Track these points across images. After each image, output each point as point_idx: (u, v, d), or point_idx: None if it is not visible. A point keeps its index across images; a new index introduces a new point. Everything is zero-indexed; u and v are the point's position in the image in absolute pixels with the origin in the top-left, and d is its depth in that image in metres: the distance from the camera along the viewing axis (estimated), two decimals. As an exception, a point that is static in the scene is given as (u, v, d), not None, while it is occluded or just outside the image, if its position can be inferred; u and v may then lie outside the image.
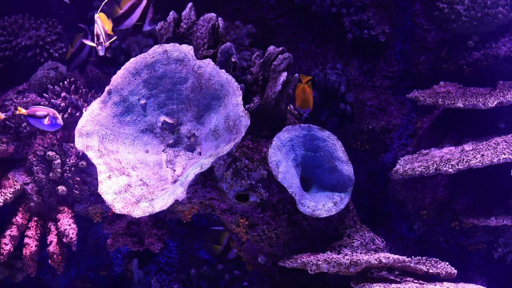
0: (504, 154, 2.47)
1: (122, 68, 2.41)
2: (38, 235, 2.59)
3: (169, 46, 2.39)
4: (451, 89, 2.86)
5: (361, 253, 2.32)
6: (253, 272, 2.64)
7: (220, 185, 2.32)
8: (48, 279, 2.87)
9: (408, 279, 2.25)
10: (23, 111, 2.34)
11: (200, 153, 2.38)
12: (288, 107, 2.53)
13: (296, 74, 2.41)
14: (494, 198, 2.73)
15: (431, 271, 2.21)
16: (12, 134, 2.62)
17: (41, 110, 2.34)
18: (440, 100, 2.73)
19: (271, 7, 3.13)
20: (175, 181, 2.29)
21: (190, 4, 2.51)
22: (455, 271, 2.28)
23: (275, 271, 2.47)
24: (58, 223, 2.56)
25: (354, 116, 2.98)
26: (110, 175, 2.27)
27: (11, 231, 2.54)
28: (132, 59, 2.42)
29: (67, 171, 2.57)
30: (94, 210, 2.62)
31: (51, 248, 2.53)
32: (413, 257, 2.36)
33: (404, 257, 2.18)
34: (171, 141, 2.42)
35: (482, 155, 2.52)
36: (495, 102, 2.62)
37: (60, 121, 2.34)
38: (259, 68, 2.42)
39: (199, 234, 2.96)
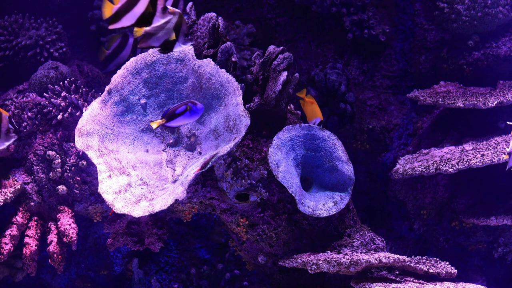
0: (504, 154, 2.47)
1: (123, 67, 2.41)
2: (38, 234, 2.59)
3: (169, 46, 2.40)
4: (451, 89, 2.86)
5: (361, 252, 2.32)
6: (253, 271, 2.64)
7: (220, 184, 2.32)
8: (48, 279, 2.87)
9: (408, 278, 2.25)
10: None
11: (200, 153, 2.37)
12: (288, 107, 2.53)
13: (296, 74, 2.41)
14: (494, 198, 2.73)
15: (431, 270, 2.21)
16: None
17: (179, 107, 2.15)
18: (440, 99, 2.73)
19: (271, 6, 3.13)
20: (175, 181, 2.29)
21: (190, 4, 2.51)
22: (455, 270, 2.28)
23: (275, 270, 2.47)
24: (58, 223, 2.56)
25: (354, 115, 2.98)
26: (110, 175, 2.27)
27: (11, 230, 2.53)
28: (132, 59, 2.42)
29: (67, 171, 2.57)
30: (94, 209, 2.62)
31: (51, 248, 2.53)
32: (413, 256, 2.36)
33: (404, 257, 2.18)
34: (171, 141, 2.42)
35: (482, 154, 2.52)
36: (495, 102, 2.62)
37: (200, 105, 2.13)
38: (259, 68, 2.42)
39: (199, 233, 2.95)
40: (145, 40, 1.96)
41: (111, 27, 1.83)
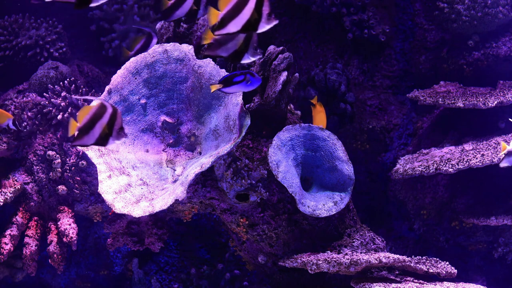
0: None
1: (123, 67, 2.41)
2: (38, 234, 2.59)
3: (169, 46, 2.40)
4: (451, 89, 2.86)
5: (361, 252, 2.32)
6: (253, 271, 2.64)
7: (220, 184, 2.32)
8: (48, 279, 2.87)
9: (408, 278, 2.25)
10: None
11: (200, 153, 2.37)
12: (288, 107, 2.53)
13: (296, 74, 2.41)
14: (494, 198, 2.73)
15: (431, 270, 2.21)
16: (12, 133, 2.62)
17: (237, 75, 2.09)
18: (440, 99, 2.73)
19: (271, 6, 3.12)
20: (175, 181, 2.29)
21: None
22: (455, 270, 2.28)
23: (275, 270, 2.47)
24: (58, 223, 2.56)
25: (354, 115, 2.98)
26: (110, 175, 2.27)
27: (11, 230, 2.53)
28: (132, 59, 2.42)
29: (67, 171, 2.57)
30: (94, 209, 2.62)
31: (51, 248, 2.53)
32: (413, 256, 2.36)
33: (404, 257, 2.18)
34: (171, 141, 2.42)
35: (482, 154, 2.52)
36: (495, 102, 2.62)
37: (258, 77, 2.09)
38: (259, 68, 2.42)
39: (199, 233, 2.95)
40: (213, 49, 1.92)
41: (216, 33, 1.80)
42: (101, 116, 1.80)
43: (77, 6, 1.76)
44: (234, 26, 1.79)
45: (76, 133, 1.78)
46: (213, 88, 2.07)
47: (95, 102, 2.37)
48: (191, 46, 2.38)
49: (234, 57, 1.94)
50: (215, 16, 1.79)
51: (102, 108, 1.79)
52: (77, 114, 1.80)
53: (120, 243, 2.53)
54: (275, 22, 1.81)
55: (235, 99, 2.22)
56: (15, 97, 2.69)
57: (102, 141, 1.82)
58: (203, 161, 2.17)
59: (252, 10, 1.78)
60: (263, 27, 1.81)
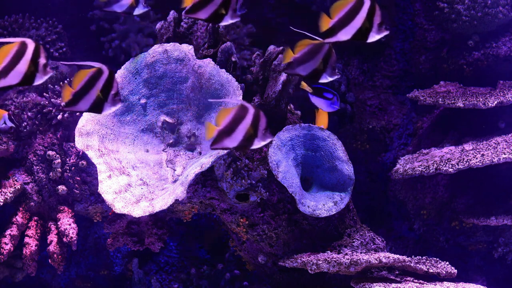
0: (504, 154, 2.47)
1: (123, 67, 2.41)
2: (38, 234, 2.59)
3: (169, 46, 2.40)
4: (451, 89, 2.86)
5: (361, 252, 2.32)
6: (253, 271, 2.64)
7: (220, 184, 2.32)
8: (48, 279, 2.86)
9: (408, 278, 2.25)
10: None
11: (200, 153, 2.37)
12: (288, 107, 2.53)
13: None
14: (494, 198, 2.73)
15: (431, 270, 2.21)
16: (12, 133, 2.62)
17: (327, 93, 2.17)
18: (440, 99, 2.73)
19: (272, 6, 3.12)
20: (175, 181, 2.29)
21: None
22: (455, 270, 2.28)
23: (275, 270, 2.47)
24: (58, 223, 2.56)
25: (354, 115, 2.98)
26: (110, 175, 2.27)
27: (11, 230, 2.53)
28: (132, 59, 2.42)
29: (67, 171, 2.57)
30: (94, 209, 2.62)
31: (51, 248, 2.53)
32: (413, 256, 2.36)
33: (404, 257, 2.18)
34: (171, 141, 2.42)
35: (482, 154, 2.52)
36: (495, 102, 2.62)
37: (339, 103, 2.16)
38: (259, 68, 2.42)
39: (199, 233, 2.95)
40: (292, 68, 1.93)
41: (326, 40, 1.81)
42: (97, 80, 1.76)
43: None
44: (344, 35, 1.79)
45: (70, 98, 1.76)
46: (304, 86, 2.13)
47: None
48: (191, 46, 2.38)
49: (312, 77, 1.94)
50: (326, 22, 1.79)
51: (98, 72, 1.75)
52: (72, 78, 1.77)
53: (120, 243, 2.53)
54: (385, 33, 1.81)
55: (235, 99, 2.23)
56: (15, 97, 2.69)
57: (96, 107, 1.78)
58: (203, 161, 2.17)
59: (363, 19, 1.77)
60: (373, 37, 1.81)
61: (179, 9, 2.52)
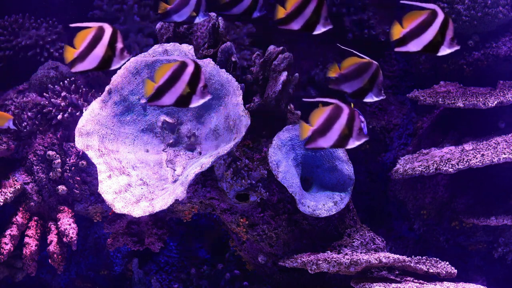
0: (504, 154, 2.47)
1: (123, 67, 2.41)
2: (38, 234, 2.59)
3: (169, 46, 2.39)
4: (451, 89, 2.86)
5: (361, 252, 2.32)
6: (253, 271, 2.64)
7: (220, 184, 2.32)
8: (48, 279, 2.87)
9: (408, 278, 2.25)
10: None
11: (200, 153, 2.37)
12: (288, 107, 2.53)
13: (296, 74, 2.41)
14: (494, 198, 2.73)
15: (431, 270, 2.21)
16: (12, 133, 2.62)
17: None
18: (440, 99, 2.72)
19: (272, 6, 3.12)
20: (175, 181, 2.29)
21: (190, 4, 2.50)
22: (455, 270, 2.28)
23: (275, 270, 2.47)
24: (58, 223, 2.56)
25: (354, 115, 2.97)
26: (110, 175, 2.27)
27: (11, 230, 2.53)
28: (132, 59, 2.42)
29: (67, 171, 2.57)
30: (94, 209, 2.62)
31: (51, 248, 2.53)
32: (413, 256, 2.36)
33: (404, 257, 2.18)
34: (171, 141, 2.42)
35: (482, 154, 2.52)
36: (495, 102, 2.62)
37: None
38: (259, 68, 2.42)
39: (199, 233, 2.96)
40: (337, 84, 1.93)
41: (397, 49, 1.80)
42: (182, 73, 1.76)
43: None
44: (415, 46, 1.78)
45: (153, 92, 1.74)
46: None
47: (94, 103, 2.37)
48: (191, 46, 2.38)
49: (358, 95, 1.93)
50: (398, 31, 1.79)
51: (183, 66, 1.75)
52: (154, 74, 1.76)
53: (120, 243, 2.53)
54: (456, 47, 1.80)
55: (235, 99, 2.23)
56: (15, 97, 2.69)
57: (183, 101, 1.78)
58: (203, 161, 2.17)
59: (436, 32, 1.76)
60: (444, 51, 1.80)
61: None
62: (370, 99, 1.95)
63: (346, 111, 1.75)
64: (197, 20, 2.04)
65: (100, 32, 1.75)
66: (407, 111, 3.10)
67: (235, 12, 2.02)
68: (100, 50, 1.76)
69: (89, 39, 1.75)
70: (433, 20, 1.76)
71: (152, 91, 1.77)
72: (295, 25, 1.91)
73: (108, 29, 1.74)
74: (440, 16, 1.77)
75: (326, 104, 1.84)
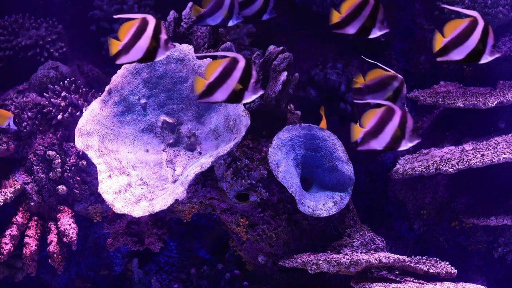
0: (504, 154, 2.47)
1: (123, 67, 2.41)
2: (38, 234, 2.59)
3: (169, 46, 2.39)
4: (451, 89, 2.86)
5: (361, 252, 2.32)
6: (253, 271, 2.64)
7: (220, 184, 2.32)
8: (48, 279, 2.86)
9: (408, 278, 2.25)
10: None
11: (200, 153, 2.37)
12: (288, 107, 2.53)
13: (296, 74, 2.41)
14: (494, 198, 2.73)
15: (431, 270, 2.21)
16: (12, 133, 2.62)
17: None
18: (440, 99, 2.73)
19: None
20: (175, 181, 2.29)
21: (190, 4, 2.51)
22: (455, 270, 2.28)
23: (275, 270, 2.47)
24: (58, 223, 2.56)
25: (354, 115, 2.97)
26: (110, 175, 2.27)
27: (11, 230, 2.53)
28: (132, 59, 2.42)
29: (67, 171, 2.57)
30: (94, 209, 2.62)
31: (51, 248, 2.53)
32: (413, 256, 2.36)
33: (404, 257, 2.18)
34: (171, 141, 2.42)
35: (482, 154, 2.52)
36: (495, 102, 2.62)
37: None
38: (259, 68, 2.42)
39: (199, 233, 2.95)
40: (361, 95, 1.94)
41: (439, 59, 1.78)
42: (233, 69, 1.74)
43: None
44: (457, 55, 1.77)
45: (204, 89, 1.73)
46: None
47: (94, 103, 2.37)
48: (191, 46, 2.38)
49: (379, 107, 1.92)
50: (440, 41, 1.77)
51: (234, 62, 1.73)
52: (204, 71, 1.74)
53: (120, 243, 2.53)
54: (497, 55, 1.79)
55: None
56: (15, 97, 2.69)
57: (236, 96, 1.76)
58: (203, 161, 2.17)
59: (477, 40, 1.75)
60: (486, 59, 1.79)
61: (179, 9, 2.53)
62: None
63: (398, 112, 1.74)
64: (231, 23, 2.05)
65: (143, 24, 1.75)
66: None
67: (245, 14, 2.03)
68: (144, 41, 1.76)
69: (133, 31, 1.75)
70: (474, 27, 1.75)
71: (203, 87, 1.75)
72: (351, 29, 1.90)
73: (151, 21, 1.74)
74: (481, 24, 1.75)
75: (377, 106, 1.85)
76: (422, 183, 2.89)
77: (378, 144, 1.76)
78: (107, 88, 2.39)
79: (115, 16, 2.01)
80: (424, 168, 2.59)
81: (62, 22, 3.00)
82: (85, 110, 2.40)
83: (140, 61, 1.80)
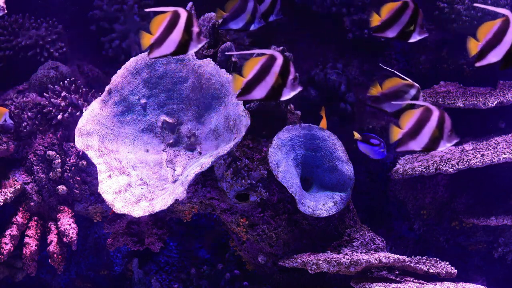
0: (504, 154, 2.47)
1: (123, 67, 2.41)
2: (38, 234, 2.59)
3: (169, 46, 2.39)
4: (451, 89, 2.86)
5: (361, 252, 2.32)
6: (253, 271, 2.64)
7: (220, 184, 2.32)
8: (48, 279, 2.86)
9: (408, 278, 2.25)
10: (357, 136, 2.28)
11: (200, 153, 2.37)
12: (288, 107, 2.53)
13: (297, 74, 2.40)
14: (494, 198, 2.73)
15: (431, 270, 2.21)
16: (12, 133, 2.62)
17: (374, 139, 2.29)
18: (440, 99, 2.73)
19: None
20: (175, 181, 2.29)
21: (190, 4, 2.51)
22: (455, 270, 2.28)
23: (275, 270, 2.47)
24: (58, 223, 2.56)
25: (354, 115, 2.97)
26: (110, 175, 2.27)
27: (11, 230, 2.53)
28: (132, 59, 2.42)
29: (67, 171, 2.57)
30: (94, 209, 2.62)
31: (51, 248, 2.53)
32: (413, 256, 2.36)
33: (404, 257, 2.18)
34: (171, 141, 2.42)
35: (482, 154, 2.52)
36: (495, 102, 2.62)
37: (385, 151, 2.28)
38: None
39: (199, 233, 2.95)
40: (378, 102, 1.96)
41: (477, 64, 1.79)
42: (271, 67, 1.74)
43: None
44: (494, 56, 1.77)
45: (242, 87, 1.73)
46: (355, 135, 2.24)
47: (94, 103, 2.37)
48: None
49: (398, 116, 1.92)
50: (474, 47, 1.78)
51: (272, 59, 1.74)
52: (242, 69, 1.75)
53: (120, 243, 2.53)
54: None
55: (235, 99, 2.22)
56: (15, 97, 2.69)
57: (274, 94, 1.77)
58: (203, 161, 2.17)
59: (509, 46, 1.74)
60: None
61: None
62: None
63: (436, 113, 1.74)
64: (253, 28, 2.05)
65: (175, 16, 1.74)
66: (407, 111, 3.09)
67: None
68: (176, 34, 1.75)
69: (165, 24, 1.75)
70: (507, 27, 1.74)
71: (242, 85, 1.75)
72: (390, 33, 1.91)
73: (183, 13, 1.74)
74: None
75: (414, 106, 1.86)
76: (422, 183, 2.89)
77: (417, 145, 1.76)
78: (107, 88, 2.39)
79: (146, 10, 1.96)
80: (424, 168, 2.59)
81: (62, 22, 3.00)
82: (85, 110, 2.40)
83: (173, 54, 1.80)
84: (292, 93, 1.79)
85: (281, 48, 2.40)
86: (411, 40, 1.95)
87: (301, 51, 3.12)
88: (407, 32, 1.93)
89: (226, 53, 2.29)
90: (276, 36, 3.12)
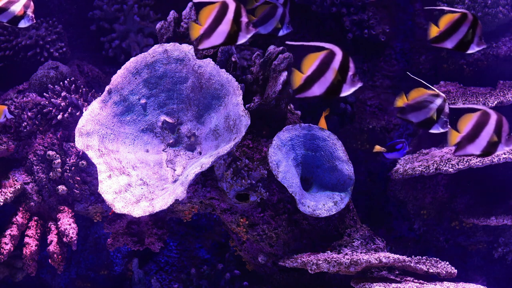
0: (504, 154, 2.47)
1: (123, 67, 2.41)
2: (38, 234, 2.59)
3: (169, 46, 2.40)
4: (451, 89, 2.86)
5: (361, 252, 2.32)
6: (253, 271, 2.64)
7: (220, 184, 2.32)
8: (48, 279, 2.86)
9: (408, 278, 2.25)
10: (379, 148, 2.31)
11: (200, 153, 2.37)
12: (288, 107, 2.53)
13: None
14: (494, 198, 2.73)
15: (431, 270, 2.21)
16: (12, 133, 2.62)
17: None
18: (440, 99, 2.72)
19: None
20: (175, 181, 2.29)
21: (190, 4, 2.51)
22: (455, 270, 2.28)
23: (275, 270, 2.47)
24: (58, 223, 2.56)
25: (355, 115, 2.98)
26: (110, 175, 2.27)
27: (11, 230, 2.53)
28: (132, 59, 2.42)
29: (67, 171, 2.57)
30: (94, 209, 2.62)
31: (51, 248, 2.53)
32: (413, 256, 2.36)
33: (404, 257, 2.18)
34: (171, 141, 2.42)
35: (482, 154, 2.52)
36: (495, 102, 2.63)
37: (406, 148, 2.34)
38: (259, 68, 2.42)
39: (199, 233, 2.96)
40: (404, 113, 1.95)
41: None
42: (331, 62, 1.72)
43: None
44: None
45: (301, 83, 1.70)
46: (377, 148, 2.29)
47: (94, 103, 2.37)
48: (191, 46, 2.38)
49: (423, 125, 1.96)
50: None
51: (331, 54, 1.72)
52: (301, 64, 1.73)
53: (120, 243, 2.53)
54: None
55: (235, 99, 2.22)
56: (15, 97, 2.69)
57: (333, 90, 1.75)
58: (203, 161, 2.17)
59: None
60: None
61: (179, 9, 2.53)
62: (436, 130, 1.97)
63: (494, 116, 1.74)
64: (281, 33, 2.04)
65: (224, 7, 1.73)
66: (407, 111, 3.09)
67: (261, 32, 2.03)
68: (225, 25, 1.74)
69: (214, 15, 1.74)
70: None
71: (300, 82, 1.73)
72: (449, 44, 1.92)
73: (231, 4, 1.73)
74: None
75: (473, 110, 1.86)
76: (422, 183, 2.89)
77: (475, 149, 1.76)
78: (107, 88, 2.39)
79: (194, 1, 1.91)
80: (424, 168, 2.59)
81: (62, 22, 3.00)
82: (85, 110, 2.40)
83: (222, 45, 1.79)
84: (352, 89, 1.77)
85: (281, 48, 2.40)
86: (469, 51, 1.96)
87: (301, 51, 3.12)
88: (465, 42, 1.92)
89: (287, 42, 2.26)
90: (276, 36, 3.12)
